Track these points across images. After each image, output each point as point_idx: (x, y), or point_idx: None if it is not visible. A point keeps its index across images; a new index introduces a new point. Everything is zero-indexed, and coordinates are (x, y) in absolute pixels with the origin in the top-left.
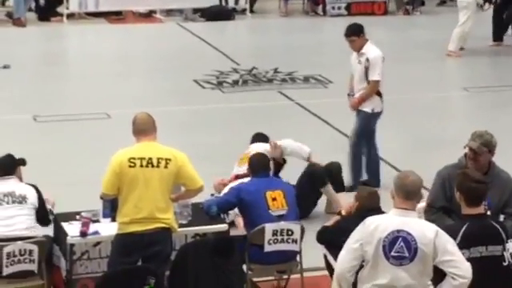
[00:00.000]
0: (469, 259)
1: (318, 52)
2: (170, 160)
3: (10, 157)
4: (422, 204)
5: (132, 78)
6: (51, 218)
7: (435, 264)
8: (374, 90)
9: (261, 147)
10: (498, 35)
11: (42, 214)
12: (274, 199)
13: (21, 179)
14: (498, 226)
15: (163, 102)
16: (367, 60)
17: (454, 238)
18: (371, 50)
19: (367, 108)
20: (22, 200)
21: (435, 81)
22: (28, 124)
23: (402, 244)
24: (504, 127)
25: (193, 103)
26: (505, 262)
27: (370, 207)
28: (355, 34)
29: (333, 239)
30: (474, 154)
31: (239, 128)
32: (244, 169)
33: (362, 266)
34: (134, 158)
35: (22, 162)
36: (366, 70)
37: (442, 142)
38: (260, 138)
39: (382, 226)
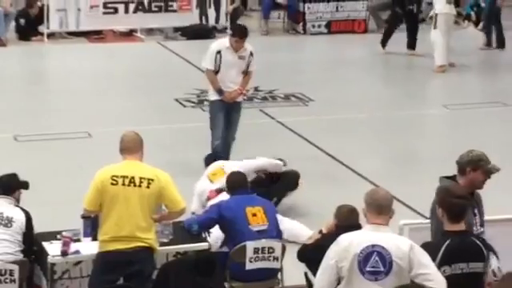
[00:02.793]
0: (450, 276)
1: (298, 70)
2: (152, 180)
3: (13, 177)
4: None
5: (113, 96)
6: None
7: (411, 278)
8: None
9: (234, 164)
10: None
11: (28, 243)
12: (254, 215)
13: (18, 202)
14: (479, 244)
15: (144, 121)
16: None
17: (436, 255)
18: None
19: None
20: (7, 223)
21: (415, 98)
22: (9, 143)
23: (376, 258)
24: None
25: (174, 122)
26: (486, 278)
27: (349, 224)
28: None
29: (313, 257)
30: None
31: None
32: (220, 182)
33: (338, 283)
34: (116, 176)
35: (25, 185)
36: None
37: (421, 159)
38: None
39: (355, 241)
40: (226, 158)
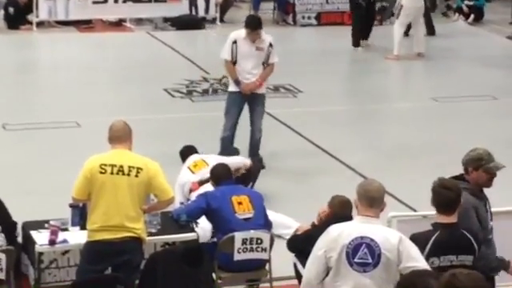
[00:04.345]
0: (439, 267)
1: (287, 61)
2: (141, 169)
3: None
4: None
5: (102, 86)
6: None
7: (399, 270)
8: None
9: (214, 158)
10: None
11: (2, 219)
12: (239, 203)
13: None
14: (470, 236)
15: (133, 111)
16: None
17: (425, 245)
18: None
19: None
20: None
21: (405, 90)
22: None
23: (365, 250)
24: (474, 137)
25: (162, 112)
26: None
27: (341, 215)
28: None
29: (303, 247)
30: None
31: (209, 137)
32: (202, 173)
33: (327, 274)
34: (105, 165)
35: None
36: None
37: (410, 152)
38: (194, 149)
39: (345, 233)
40: (233, 150)
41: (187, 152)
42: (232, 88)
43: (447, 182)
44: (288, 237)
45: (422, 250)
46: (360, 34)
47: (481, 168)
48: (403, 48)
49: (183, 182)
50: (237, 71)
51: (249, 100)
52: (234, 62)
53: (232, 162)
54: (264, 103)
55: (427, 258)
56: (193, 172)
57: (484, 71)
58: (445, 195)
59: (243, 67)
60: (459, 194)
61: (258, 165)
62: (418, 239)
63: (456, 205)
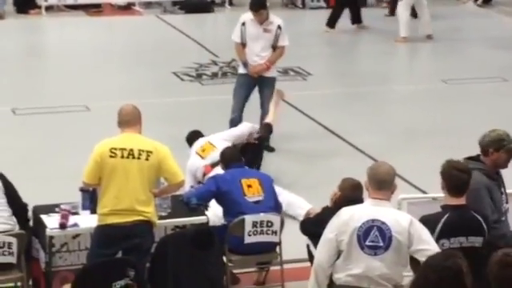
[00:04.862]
0: (448, 250)
1: (297, 44)
2: (151, 152)
3: None
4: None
5: (111, 70)
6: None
7: (410, 253)
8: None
9: (218, 136)
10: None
11: (13, 199)
12: (249, 186)
13: None
14: (479, 218)
15: (142, 95)
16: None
17: (435, 227)
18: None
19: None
20: None
21: (414, 72)
22: (7, 117)
23: (376, 233)
24: (483, 119)
25: (172, 95)
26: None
27: (352, 198)
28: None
29: (315, 230)
30: None
31: (218, 120)
32: (211, 157)
33: (338, 257)
34: (115, 149)
35: None
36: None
37: (419, 134)
38: (199, 134)
39: (356, 216)
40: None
41: (194, 137)
42: (241, 70)
43: (459, 164)
44: (301, 218)
45: (432, 232)
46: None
47: (502, 149)
48: (410, 30)
49: (195, 168)
50: (246, 54)
51: (258, 83)
52: (244, 45)
53: (241, 130)
54: (274, 86)
55: (437, 240)
56: (202, 157)
57: (493, 53)
58: (458, 177)
59: (252, 49)
60: (470, 176)
61: (266, 130)
62: (428, 221)
63: (467, 187)
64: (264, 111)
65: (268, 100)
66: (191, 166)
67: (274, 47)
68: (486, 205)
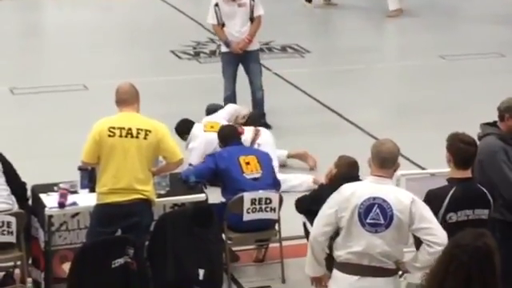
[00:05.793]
0: (456, 222)
1: (294, 21)
2: (149, 131)
3: None
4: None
5: (109, 49)
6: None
7: (411, 231)
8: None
9: (220, 114)
10: None
11: (11, 178)
12: (247, 163)
13: None
14: (484, 190)
15: (140, 73)
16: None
17: (442, 201)
18: None
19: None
20: None
21: (412, 48)
22: (5, 96)
23: (377, 211)
24: (482, 94)
25: (170, 74)
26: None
27: (348, 176)
28: None
29: (311, 207)
30: None
31: (216, 98)
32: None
33: (337, 234)
34: (113, 128)
35: None
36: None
37: (418, 110)
38: (191, 122)
39: (357, 193)
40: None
41: (186, 125)
42: (223, 49)
43: (465, 137)
44: (297, 188)
45: (439, 205)
46: None
47: None
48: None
49: (209, 139)
50: (227, 33)
51: (242, 59)
52: (223, 24)
53: (228, 112)
54: (259, 59)
55: (445, 214)
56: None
57: (492, 28)
58: (465, 150)
59: (231, 27)
60: (477, 148)
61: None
62: (436, 195)
63: (474, 159)
64: (255, 87)
65: (257, 74)
66: (206, 138)
67: (252, 19)
68: (503, 167)
